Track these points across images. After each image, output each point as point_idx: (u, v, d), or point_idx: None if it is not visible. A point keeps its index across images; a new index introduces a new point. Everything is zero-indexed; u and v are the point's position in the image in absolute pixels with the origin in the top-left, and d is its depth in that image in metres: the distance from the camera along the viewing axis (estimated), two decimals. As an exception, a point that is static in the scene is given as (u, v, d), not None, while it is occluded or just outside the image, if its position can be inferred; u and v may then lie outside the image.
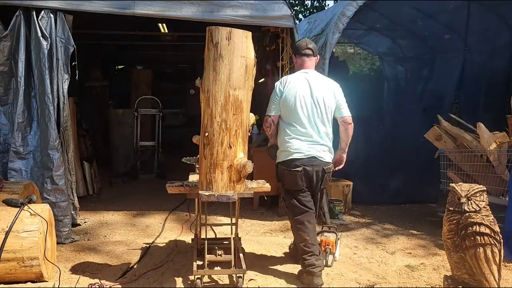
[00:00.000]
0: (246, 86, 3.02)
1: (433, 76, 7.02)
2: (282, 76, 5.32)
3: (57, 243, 4.07)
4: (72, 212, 4.61)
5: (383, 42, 8.14)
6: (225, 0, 4.61)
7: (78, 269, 3.71)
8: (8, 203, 3.43)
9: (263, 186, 3.32)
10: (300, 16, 15.41)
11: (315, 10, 15.16)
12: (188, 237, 4.48)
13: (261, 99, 6.62)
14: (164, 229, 4.86)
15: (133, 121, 7.51)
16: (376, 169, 6.27)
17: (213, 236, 4.17)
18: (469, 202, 2.88)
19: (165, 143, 7.89)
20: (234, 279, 3.41)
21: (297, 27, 5.05)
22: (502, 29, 6.48)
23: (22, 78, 4.33)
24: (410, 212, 5.82)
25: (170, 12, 4.54)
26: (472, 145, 4.83)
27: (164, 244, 4.34)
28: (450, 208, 2.97)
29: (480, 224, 2.83)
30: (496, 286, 2.86)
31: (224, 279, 3.53)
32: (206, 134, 3.00)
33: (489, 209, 2.94)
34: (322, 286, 3.38)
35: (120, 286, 3.42)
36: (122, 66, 12.58)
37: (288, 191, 3.55)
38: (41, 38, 4.28)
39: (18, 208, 3.35)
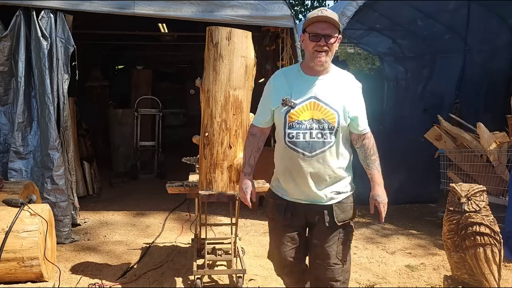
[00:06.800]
0: (246, 86, 3.02)
1: (433, 76, 7.01)
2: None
3: (57, 243, 4.07)
4: (72, 212, 4.60)
5: (383, 42, 8.13)
6: (225, 0, 4.60)
7: (78, 269, 3.72)
8: (8, 203, 3.43)
9: (263, 186, 3.31)
10: (300, 16, 15.43)
11: (315, 10, 15.16)
12: (188, 237, 4.48)
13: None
14: (164, 229, 4.85)
15: (133, 121, 7.51)
16: (376, 169, 6.24)
17: (213, 236, 4.17)
18: (469, 202, 2.88)
19: (165, 143, 7.89)
20: (234, 279, 3.41)
21: (297, 27, 5.04)
22: (502, 29, 6.47)
23: (22, 78, 4.33)
24: (410, 212, 5.81)
25: (170, 12, 4.53)
26: (472, 145, 4.83)
27: (164, 244, 4.34)
28: (450, 208, 2.97)
29: (480, 224, 2.83)
30: (496, 286, 2.86)
31: (224, 279, 3.53)
32: (206, 134, 3.00)
33: (489, 209, 2.94)
34: None
35: (120, 286, 3.42)
36: (122, 66, 12.59)
37: None
38: (41, 38, 4.27)
39: (18, 208, 3.35)
